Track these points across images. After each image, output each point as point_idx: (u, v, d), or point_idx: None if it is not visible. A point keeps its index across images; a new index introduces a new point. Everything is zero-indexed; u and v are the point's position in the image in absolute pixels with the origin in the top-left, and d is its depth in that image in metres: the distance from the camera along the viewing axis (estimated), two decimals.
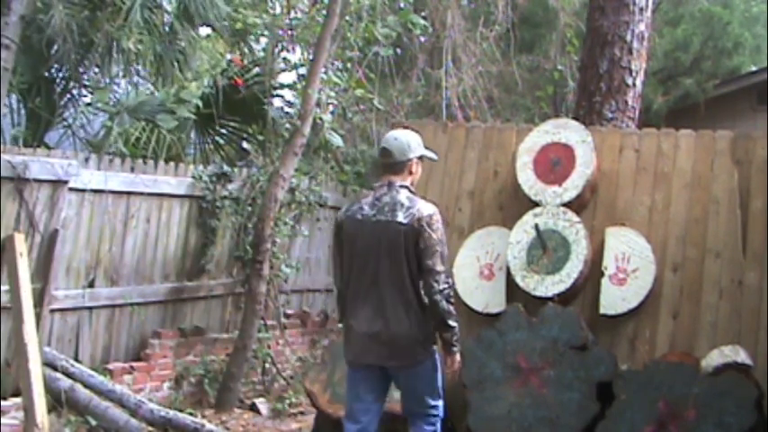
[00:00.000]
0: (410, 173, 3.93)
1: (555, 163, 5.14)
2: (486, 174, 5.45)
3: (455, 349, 3.84)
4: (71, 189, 5.81)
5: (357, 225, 3.87)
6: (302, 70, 8.63)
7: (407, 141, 3.91)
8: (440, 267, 3.75)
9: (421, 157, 3.98)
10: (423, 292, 3.79)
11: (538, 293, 4.93)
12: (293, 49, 8.85)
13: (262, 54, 8.83)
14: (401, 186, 3.86)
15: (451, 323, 3.78)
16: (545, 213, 5.06)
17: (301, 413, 6.71)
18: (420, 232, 3.75)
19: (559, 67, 10.39)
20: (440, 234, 3.80)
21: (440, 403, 3.99)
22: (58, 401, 5.42)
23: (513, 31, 10.12)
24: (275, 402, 6.80)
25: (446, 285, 3.76)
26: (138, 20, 6.99)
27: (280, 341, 7.47)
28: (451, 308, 3.77)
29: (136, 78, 7.95)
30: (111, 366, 6.16)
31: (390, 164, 3.90)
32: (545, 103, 10.80)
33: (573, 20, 10.20)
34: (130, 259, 6.49)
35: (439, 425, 4.02)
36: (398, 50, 10.92)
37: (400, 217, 3.78)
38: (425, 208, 3.82)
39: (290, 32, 8.62)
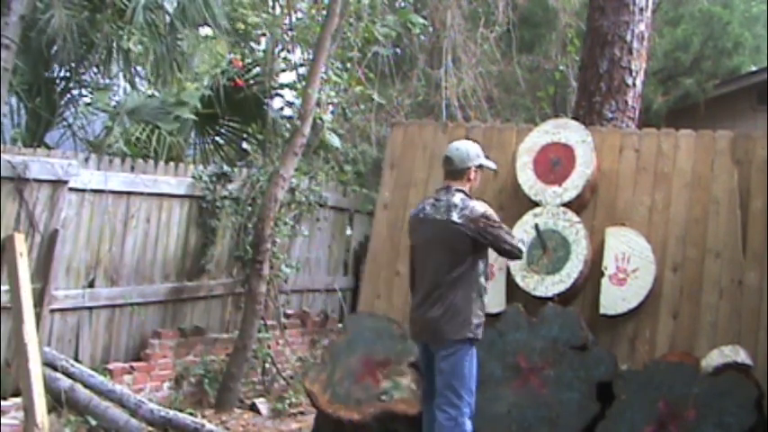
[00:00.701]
0: (468, 179, 4.40)
1: (555, 163, 5.14)
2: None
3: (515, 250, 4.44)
4: (71, 189, 5.81)
5: (419, 222, 4.43)
6: (302, 70, 8.64)
7: (467, 151, 4.38)
8: (507, 246, 4.32)
9: (480, 167, 4.43)
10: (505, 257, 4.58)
11: (538, 293, 4.94)
12: (293, 49, 8.86)
13: (261, 54, 8.83)
14: (457, 190, 4.33)
15: (515, 252, 4.41)
16: (545, 213, 5.06)
17: (301, 413, 6.71)
18: (479, 231, 4.24)
19: (561, 68, 10.38)
20: (497, 222, 4.31)
21: (469, 400, 4.25)
22: (58, 401, 5.42)
23: (514, 31, 10.12)
24: (275, 402, 6.80)
25: (519, 252, 4.42)
26: (141, 21, 7.00)
27: (280, 341, 7.47)
28: (516, 251, 4.41)
29: (136, 79, 7.95)
30: (111, 366, 6.16)
31: (451, 170, 4.39)
32: (545, 103, 10.80)
33: (573, 20, 10.19)
34: (130, 259, 6.49)
35: (464, 421, 4.22)
36: (398, 50, 10.92)
37: (454, 216, 4.24)
38: (478, 207, 4.28)
39: (289, 33, 8.62)
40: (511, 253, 4.35)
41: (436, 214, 4.31)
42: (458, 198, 4.30)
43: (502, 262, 5.09)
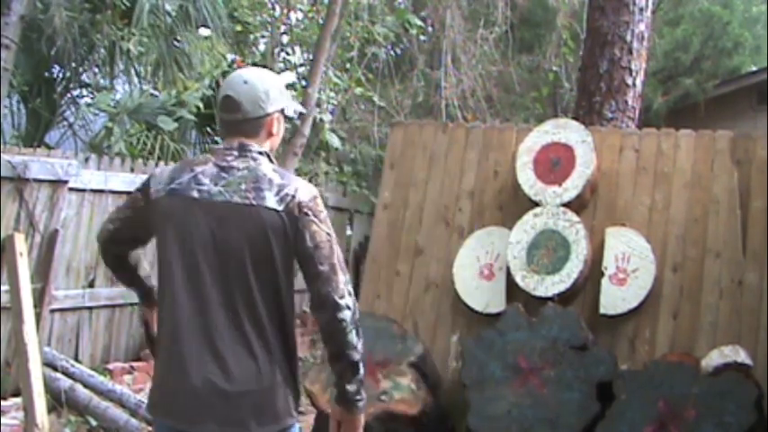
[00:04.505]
0: (269, 134, 2.56)
1: (555, 163, 5.14)
2: (486, 174, 5.44)
3: (360, 405, 2.55)
4: (71, 189, 5.82)
5: (188, 206, 2.44)
6: (302, 70, 8.65)
7: (265, 87, 2.53)
8: (341, 276, 2.44)
9: (283, 111, 2.63)
10: (316, 315, 2.50)
11: (538, 293, 4.93)
12: (293, 49, 8.87)
13: (261, 56, 8.84)
14: (260, 153, 2.52)
15: (360, 365, 2.52)
16: (545, 213, 5.05)
17: (301, 413, 6.68)
18: (305, 225, 2.43)
19: (554, 68, 10.41)
20: (329, 226, 2.51)
21: None
22: (58, 401, 5.42)
23: (512, 31, 10.13)
24: None
25: (353, 302, 2.45)
26: (144, 24, 7.02)
27: None
28: (360, 342, 2.49)
29: (136, 80, 7.96)
30: (111, 366, 6.17)
31: (237, 121, 2.51)
32: (540, 103, 10.81)
33: (569, 21, 10.21)
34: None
35: None
36: (398, 51, 10.93)
37: (270, 200, 2.42)
38: (304, 187, 2.50)
39: (288, 34, 8.63)
40: (331, 282, 2.42)
41: (232, 194, 2.42)
42: (268, 167, 2.49)
43: (502, 261, 5.08)
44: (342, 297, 2.42)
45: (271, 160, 2.55)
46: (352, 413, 2.56)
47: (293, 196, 2.44)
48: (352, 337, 2.46)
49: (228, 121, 2.53)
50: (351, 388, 2.51)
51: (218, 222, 2.42)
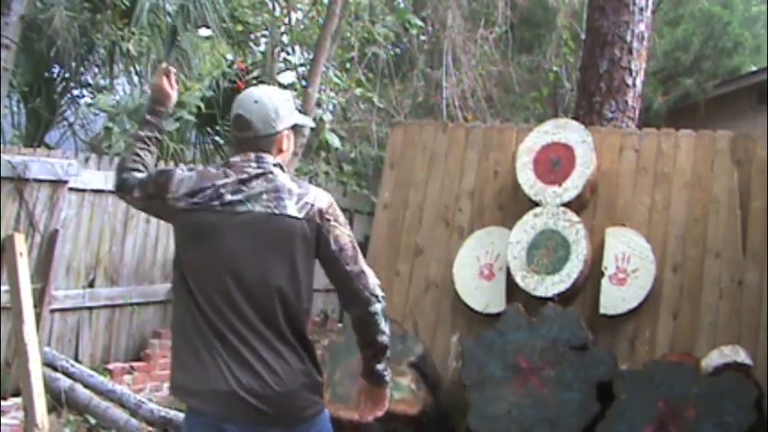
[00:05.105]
0: (279, 150, 2.73)
1: (555, 163, 5.14)
2: (486, 174, 5.44)
3: (388, 379, 2.78)
4: (71, 189, 5.82)
5: (212, 220, 2.60)
6: (302, 70, 8.66)
7: (275, 106, 2.67)
8: (369, 271, 2.66)
9: (294, 127, 2.79)
10: (349, 310, 2.71)
11: (538, 293, 4.93)
12: (293, 49, 8.87)
13: (261, 56, 8.84)
14: (276, 165, 2.68)
15: (388, 349, 2.73)
16: (545, 213, 5.05)
17: None
18: (328, 230, 2.62)
19: (554, 68, 10.41)
20: (348, 228, 2.71)
21: None
22: (58, 401, 5.42)
23: (512, 31, 10.14)
24: None
25: (381, 294, 2.65)
26: (144, 23, 7.02)
27: None
28: (388, 325, 2.69)
29: (136, 80, 7.96)
30: (111, 366, 6.18)
31: (249, 139, 2.66)
32: (540, 103, 10.82)
33: (569, 21, 10.22)
34: (130, 259, 6.49)
35: None
36: (398, 51, 10.94)
37: (291, 208, 2.58)
38: (322, 195, 2.68)
39: (289, 33, 8.63)
40: (362, 277, 2.62)
41: (254, 204, 2.58)
42: (285, 177, 2.66)
43: (502, 261, 5.08)
44: (373, 292, 2.63)
45: (283, 172, 2.70)
46: (381, 387, 2.79)
47: (312, 204, 2.62)
48: (384, 325, 2.67)
49: (241, 138, 2.69)
50: (380, 367, 2.74)
51: (242, 233, 2.56)
